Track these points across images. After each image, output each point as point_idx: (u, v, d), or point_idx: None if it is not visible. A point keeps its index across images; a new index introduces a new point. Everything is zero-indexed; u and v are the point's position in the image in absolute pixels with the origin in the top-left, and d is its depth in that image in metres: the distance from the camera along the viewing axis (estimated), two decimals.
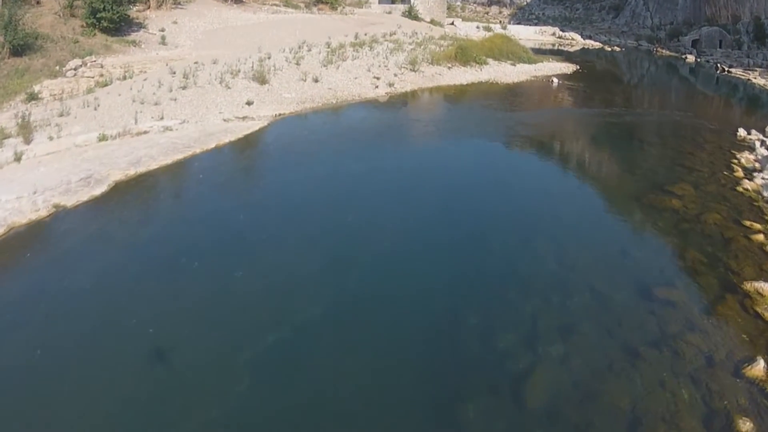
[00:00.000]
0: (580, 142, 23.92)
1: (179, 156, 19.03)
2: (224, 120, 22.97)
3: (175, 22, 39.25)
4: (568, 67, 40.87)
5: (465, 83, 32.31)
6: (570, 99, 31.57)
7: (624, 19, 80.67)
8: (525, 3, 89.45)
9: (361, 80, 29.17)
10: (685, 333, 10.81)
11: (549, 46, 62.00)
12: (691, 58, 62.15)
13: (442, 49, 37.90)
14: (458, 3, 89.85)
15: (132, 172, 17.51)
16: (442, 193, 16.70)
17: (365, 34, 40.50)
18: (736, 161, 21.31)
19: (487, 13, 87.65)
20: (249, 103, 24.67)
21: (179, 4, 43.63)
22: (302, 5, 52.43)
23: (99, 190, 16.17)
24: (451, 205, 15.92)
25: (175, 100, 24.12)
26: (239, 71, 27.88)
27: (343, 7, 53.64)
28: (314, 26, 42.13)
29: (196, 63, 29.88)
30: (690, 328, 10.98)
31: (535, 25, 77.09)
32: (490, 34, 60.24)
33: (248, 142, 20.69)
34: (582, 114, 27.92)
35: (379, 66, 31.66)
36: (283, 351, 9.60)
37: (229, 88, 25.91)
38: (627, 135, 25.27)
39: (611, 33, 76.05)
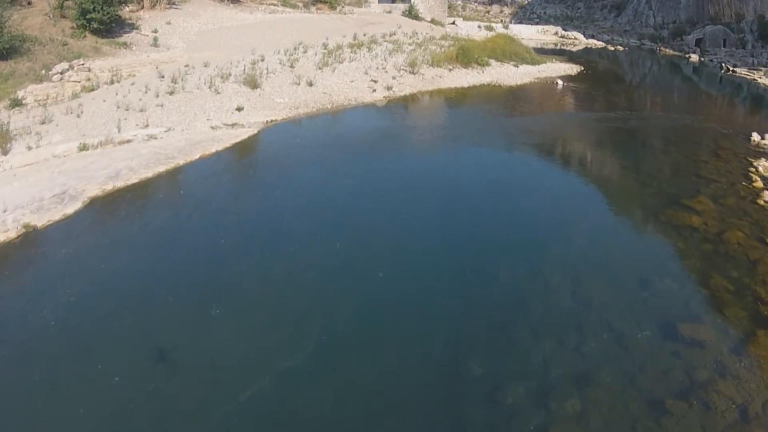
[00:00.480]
0: (589, 151, 22.39)
1: (161, 168, 17.66)
2: (212, 127, 21.59)
3: (168, 23, 37.86)
4: (572, 68, 39.36)
5: (467, 86, 30.83)
6: (575, 102, 30.08)
7: (626, 18, 78.97)
8: (526, 2, 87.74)
9: (357, 84, 27.73)
10: (716, 380, 9.42)
11: (551, 46, 60.43)
12: (694, 58, 60.58)
13: (442, 49, 36.43)
14: (459, 2, 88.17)
15: (109, 186, 16.14)
16: (444, 214, 15.22)
17: (364, 35, 39.04)
18: (753, 170, 19.85)
19: (488, 12, 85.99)
20: (239, 109, 23.27)
21: (174, 4, 42.21)
22: (300, 5, 50.95)
23: (72, 208, 14.80)
24: (453, 227, 14.48)
25: (162, 106, 22.77)
26: (230, 75, 26.48)
27: (343, 7, 52.16)
28: (311, 26, 40.67)
29: (187, 66, 28.50)
30: (721, 374, 9.58)
31: (537, 24, 75.47)
32: (492, 33, 58.73)
33: (235, 153, 19.29)
34: (588, 119, 26.43)
35: (377, 68, 30.22)
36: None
37: (218, 93, 24.51)
38: (637, 141, 23.80)
39: (614, 32, 74.39)
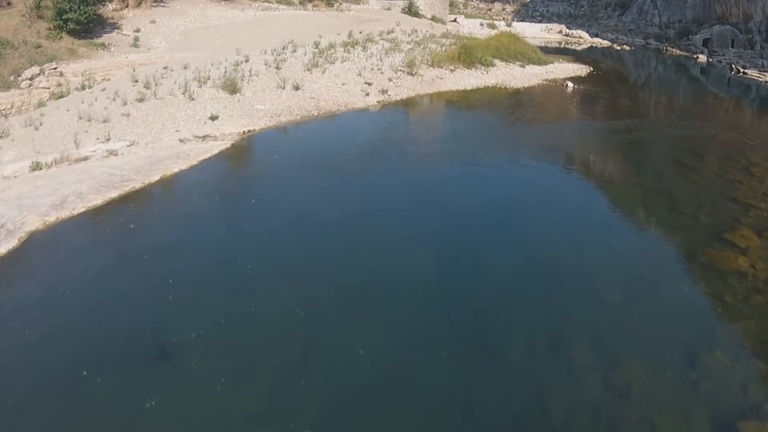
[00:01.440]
0: (611, 170, 18.96)
1: (113, 194, 14.57)
2: (180, 140, 18.50)
3: (153, 22, 34.73)
4: (581, 69, 36.10)
5: (470, 88, 27.62)
6: (588, 108, 26.86)
7: (631, 16, 75.46)
8: (528, 0, 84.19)
9: (349, 87, 24.55)
10: None
11: (555, 45, 57.07)
12: (702, 58, 57.27)
13: (443, 48, 33.23)
14: (461, 0, 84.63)
15: (52, 218, 13.06)
16: (447, 262, 12.09)
17: (360, 33, 35.87)
18: None
19: (489, 9, 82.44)
20: (213, 118, 20.16)
21: (162, 2, 39.04)
22: (296, 2, 47.69)
23: (6, 246, 11.74)
24: (461, 274, 11.42)
25: (128, 115, 19.69)
26: (209, 78, 23.35)
27: (340, 4, 48.87)
28: (305, 24, 37.48)
29: (165, 68, 25.41)
30: None
31: (540, 22, 72.04)
32: (495, 31, 55.40)
33: (200, 173, 16.14)
34: (605, 129, 23.14)
35: (372, 69, 27.02)
36: None
37: (192, 99, 21.39)
38: (661, 157, 20.57)
39: (618, 31, 70.95)
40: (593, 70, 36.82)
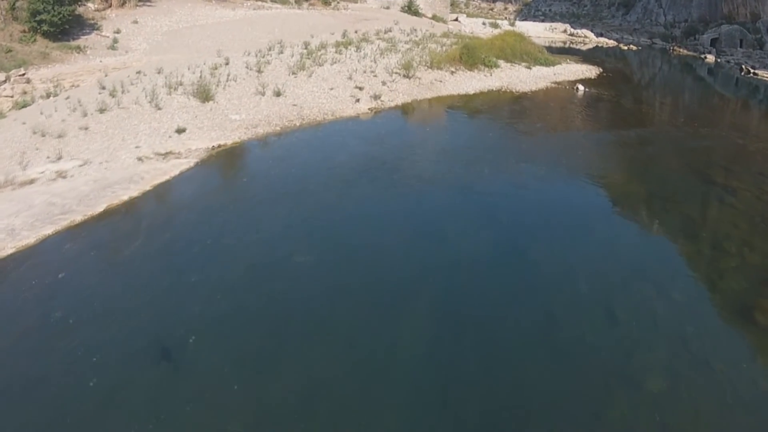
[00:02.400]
0: (638, 196, 15.13)
1: (49, 229, 11.38)
2: (138, 159, 15.19)
3: (135, 22, 31.39)
4: (590, 70, 32.57)
5: (472, 92, 24.14)
6: (601, 115, 23.37)
7: (635, 16, 71.65)
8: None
9: (338, 92, 21.15)
10: None
11: (560, 44, 53.39)
12: (711, 58, 53.56)
13: (444, 48, 29.80)
14: None
15: None
16: (453, 333, 8.75)
17: (356, 32, 32.46)
18: None
19: (491, 9, 78.67)
20: (180, 131, 16.85)
21: (148, 1, 35.71)
22: (292, 0, 44.25)
23: None
24: (468, 350, 8.09)
25: (87, 129, 16.43)
26: (181, 84, 20.05)
27: (338, 2, 45.40)
28: (298, 24, 34.08)
29: (138, 72, 22.11)
30: None
31: (542, 21, 68.37)
32: (498, 31, 51.89)
33: (151, 201, 12.80)
34: (623, 141, 19.54)
35: (365, 72, 23.59)
36: None
37: (159, 109, 18.08)
38: (691, 175, 16.93)
39: (623, 30, 67.20)
40: (602, 72, 33.27)
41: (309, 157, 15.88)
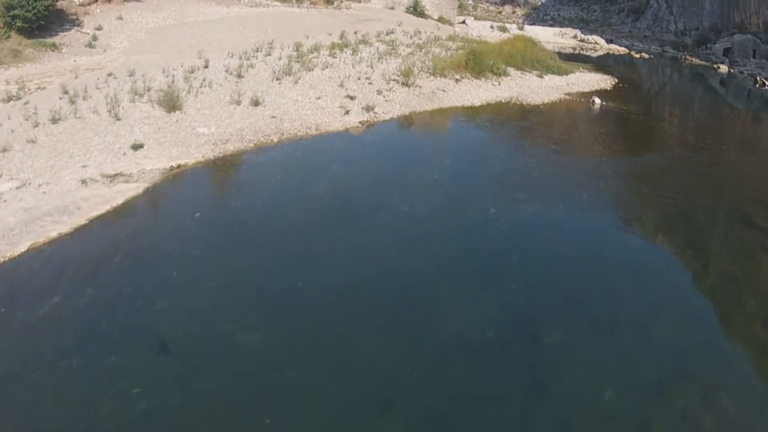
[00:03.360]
0: (682, 245, 11.74)
1: None
2: (82, 181, 12.11)
3: (120, 18, 28.25)
4: (605, 81, 29.16)
5: (478, 104, 20.83)
6: (623, 135, 19.98)
7: (646, 23, 67.85)
8: (539, 3, 76.53)
9: (326, 102, 17.93)
10: None
11: (570, 50, 49.82)
12: (723, 69, 49.97)
13: (449, 53, 26.51)
14: (470, 1, 77.24)
15: None
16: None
17: (355, 33, 29.16)
18: None
19: (500, 12, 74.94)
20: (136, 147, 13.72)
21: None
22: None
23: None
24: None
25: (35, 142, 13.43)
26: (149, 89, 16.94)
27: (341, 2, 42.04)
28: (294, 23, 30.81)
29: (109, 75, 19.01)
30: None
31: (551, 26, 64.73)
32: (506, 35, 48.46)
33: (82, 241, 9.80)
34: (652, 168, 16.13)
35: (359, 78, 20.33)
36: None
37: (118, 119, 14.98)
38: (732, 216, 13.55)
39: (633, 37, 63.49)
40: (618, 83, 29.81)
41: (280, 184, 12.69)
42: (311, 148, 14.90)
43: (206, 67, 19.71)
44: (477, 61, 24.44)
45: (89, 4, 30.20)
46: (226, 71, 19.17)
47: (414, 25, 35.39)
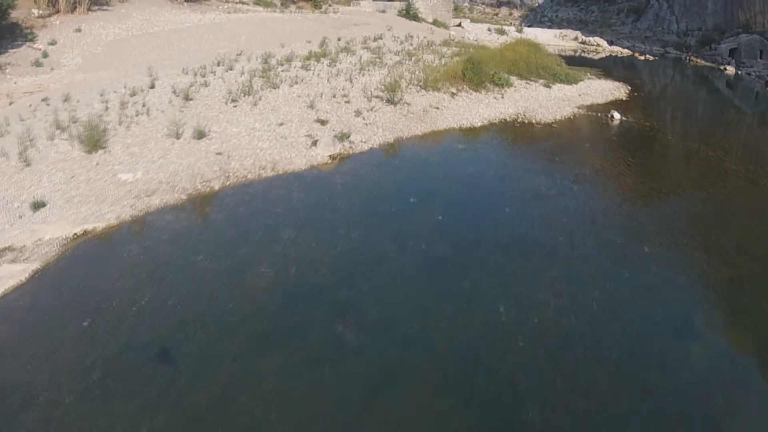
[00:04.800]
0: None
1: None
2: None
3: (78, 30, 24.06)
4: (618, 89, 24.90)
5: (478, 124, 16.57)
6: (654, 162, 15.68)
7: (647, 23, 63.41)
8: (536, 4, 71.95)
9: (289, 129, 13.70)
10: None
11: (571, 52, 45.53)
12: (730, 70, 45.81)
13: (443, 61, 22.34)
14: (466, 4, 72.75)
15: None
16: None
17: (339, 39, 24.96)
18: None
19: (496, 14, 70.46)
20: (37, 206, 9.53)
21: (105, 5, 28.33)
22: (277, 3, 36.75)
23: None
24: None
25: None
26: (75, 121, 12.84)
27: (329, 6, 37.77)
28: (273, 30, 26.61)
29: (45, 100, 14.86)
30: None
31: (549, 28, 60.36)
32: (505, 38, 44.15)
33: None
34: (702, 216, 11.86)
35: (334, 96, 16.10)
36: None
37: (28, 164, 10.86)
38: None
39: (634, 38, 59.13)
40: (631, 90, 25.55)
41: (209, 266, 8.47)
42: (260, 200, 10.71)
43: (152, 87, 15.54)
44: (476, 71, 20.21)
45: (49, 15, 26.03)
46: (174, 92, 14.99)
47: (406, 29, 31.16)
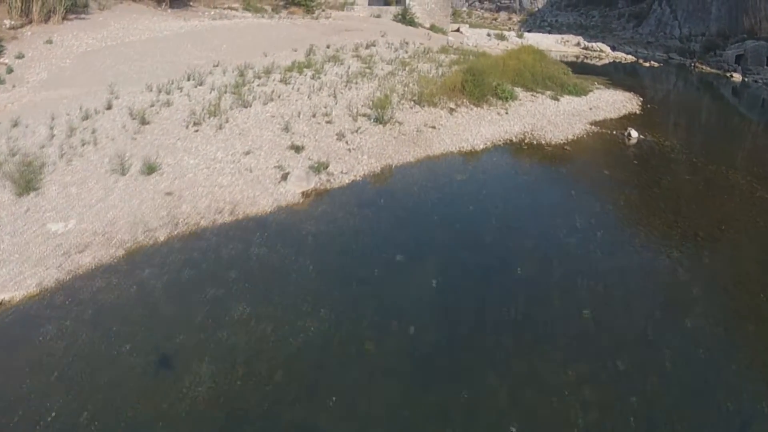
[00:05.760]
0: None
1: None
2: None
3: (49, 42, 21.54)
4: (629, 100, 22.46)
5: (480, 146, 14.04)
6: (688, 194, 13.19)
7: (649, 28, 60.98)
8: (536, 9, 69.50)
9: (257, 159, 11.22)
10: None
11: (573, 58, 43.10)
12: (737, 77, 43.54)
13: (440, 71, 19.95)
14: (464, 8, 70.28)
15: None
16: None
17: (327, 47, 22.55)
18: None
19: (495, 19, 67.97)
20: None
21: (81, 14, 25.89)
22: (269, 8, 34.31)
23: None
24: None
25: None
26: (14, 154, 10.46)
27: (323, 10, 35.32)
28: (257, 37, 24.19)
29: None
30: None
31: (549, 33, 57.95)
32: (506, 44, 41.77)
33: None
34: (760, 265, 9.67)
35: (314, 115, 13.63)
36: None
37: None
38: None
39: (635, 43, 56.78)
40: (643, 102, 23.10)
41: (135, 362, 6.08)
42: (210, 258, 8.28)
43: (109, 108, 13.11)
44: (477, 83, 17.77)
45: (21, 26, 23.58)
46: (130, 114, 12.57)
47: (401, 35, 28.74)
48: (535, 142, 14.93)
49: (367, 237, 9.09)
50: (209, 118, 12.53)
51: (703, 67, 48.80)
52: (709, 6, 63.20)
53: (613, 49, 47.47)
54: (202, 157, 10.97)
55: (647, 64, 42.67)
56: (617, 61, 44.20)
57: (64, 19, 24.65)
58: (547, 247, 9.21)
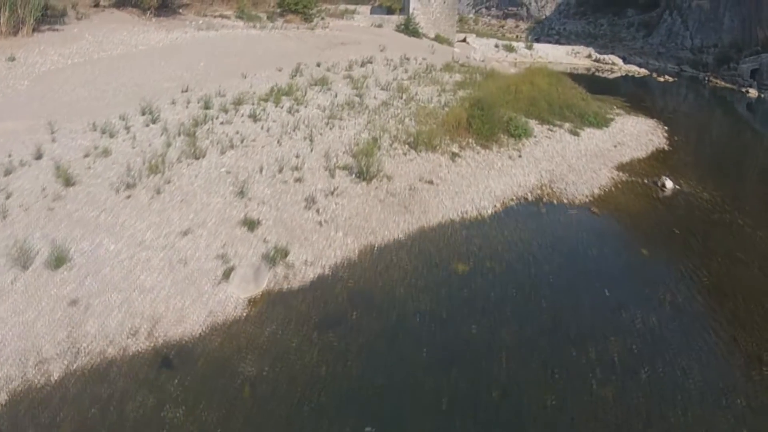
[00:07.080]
0: None
1: None
2: None
3: (11, 59, 18.45)
4: (654, 130, 19.24)
5: (489, 210, 10.85)
6: (752, 280, 10.14)
7: (659, 38, 57.34)
8: (543, 17, 65.84)
9: (195, 243, 8.18)
10: None
11: (584, 71, 39.79)
12: (753, 93, 40.33)
13: (444, 98, 16.88)
14: (471, 15, 66.75)
15: None
16: None
17: (318, 65, 19.46)
18: None
19: (502, 26, 64.39)
20: None
21: (54, 24, 22.84)
22: (264, 16, 31.19)
23: None
24: None
25: None
26: None
27: (322, 18, 32.14)
28: (242, 53, 21.09)
29: None
30: None
31: (557, 41, 54.48)
32: (514, 55, 38.62)
33: None
34: None
35: (281, 169, 10.57)
36: None
37: None
38: None
39: (646, 54, 53.26)
40: (669, 132, 19.92)
41: None
42: (112, 417, 5.35)
43: (39, 158, 10.09)
44: (485, 118, 14.65)
45: None
46: (57, 169, 9.57)
47: (402, 48, 25.57)
48: (555, 201, 11.84)
49: (329, 387, 6.08)
50: (148, 176, 9.52)
51: (717, 81, 45.38)
52: (721, 17, 59.40)
53: (625, 61, 44.02)
54: (127, 240, 7.98)
55: (662, 79, 39.27)
56: (630, 74, 40.83)
57: (34, 30, 21.63)
58: (579, 405, 6.17)
